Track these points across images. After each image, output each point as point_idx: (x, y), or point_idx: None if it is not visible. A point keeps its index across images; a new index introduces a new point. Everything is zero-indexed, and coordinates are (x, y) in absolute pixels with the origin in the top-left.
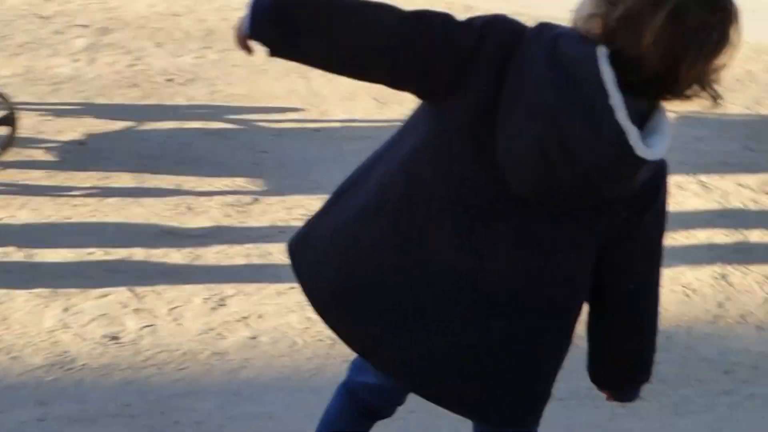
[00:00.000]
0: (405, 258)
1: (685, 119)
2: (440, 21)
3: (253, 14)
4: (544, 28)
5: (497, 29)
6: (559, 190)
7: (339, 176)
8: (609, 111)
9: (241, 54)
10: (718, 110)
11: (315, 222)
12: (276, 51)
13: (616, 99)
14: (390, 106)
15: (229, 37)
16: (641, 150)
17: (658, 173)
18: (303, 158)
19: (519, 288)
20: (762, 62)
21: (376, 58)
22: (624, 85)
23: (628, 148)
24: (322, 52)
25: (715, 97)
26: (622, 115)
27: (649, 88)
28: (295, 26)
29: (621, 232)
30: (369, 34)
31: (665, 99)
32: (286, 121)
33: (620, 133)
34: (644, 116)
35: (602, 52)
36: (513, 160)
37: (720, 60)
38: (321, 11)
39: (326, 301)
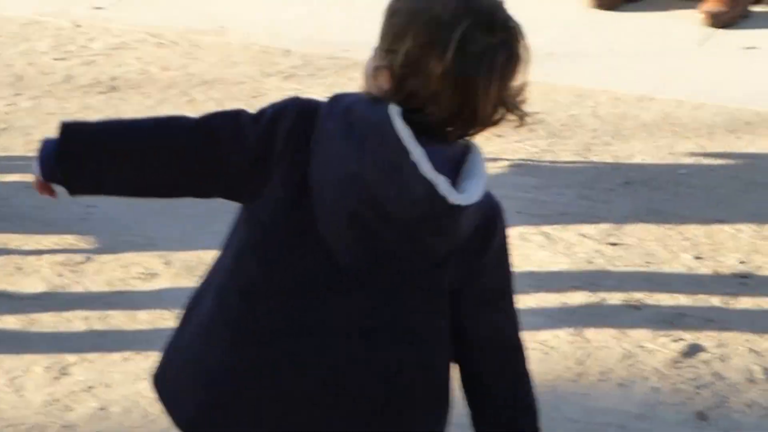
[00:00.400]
0: (255, 369)
1: (519, 167)
2: (229, 122)
3: (41, 159)
4: (336, 100)
5: (289, 114)
6: (389, 255)
7: (173, 230)
8: (413, 167)
9: (55, 101)
10: (550, 157)
11: (173, 344)
12: (74, 190)
13: (416, 154)
14: None
15: (41, 83)
16: (454, 197)
17: (489, 215)
18: (133, 212)
19: (373, 367)
20: (586, 107)
21: (173, 178)
22: (428, 135)
23: (440, 199)
24: (119, 184)
25: (522, 117)
26: (426, 168)
27: (453, 127)
28: (85, 164)
29: (464, 280)
30: (160, 156)
31: (474, 132)
32: None
33: (429, 186)
34: (459, 161)
35: (394, 110)
36: (336, 238)
37: (516, 79)
38: (107, 145)
39: (191, 425)
